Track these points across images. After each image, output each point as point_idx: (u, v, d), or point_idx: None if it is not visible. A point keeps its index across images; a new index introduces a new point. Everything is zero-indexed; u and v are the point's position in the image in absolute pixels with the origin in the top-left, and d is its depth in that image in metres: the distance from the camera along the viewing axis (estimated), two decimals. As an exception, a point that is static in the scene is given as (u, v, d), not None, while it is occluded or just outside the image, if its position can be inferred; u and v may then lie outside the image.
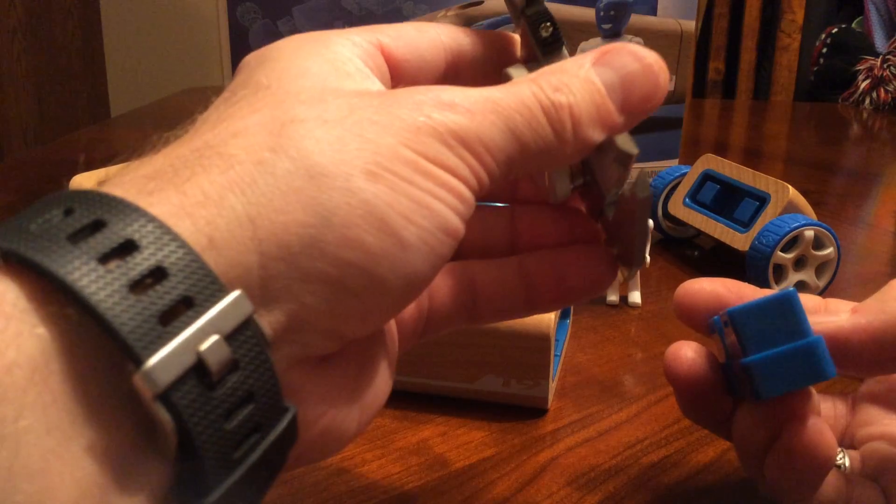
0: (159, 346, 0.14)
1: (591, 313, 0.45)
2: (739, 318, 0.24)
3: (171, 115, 1.08)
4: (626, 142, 0.21)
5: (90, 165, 0.48)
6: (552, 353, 0.34)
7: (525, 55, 0.24)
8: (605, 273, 0.25)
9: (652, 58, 0.21)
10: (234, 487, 0.16)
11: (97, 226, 0.15)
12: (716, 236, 0.50)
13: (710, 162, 0.53)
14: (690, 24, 0.64)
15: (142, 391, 0.14)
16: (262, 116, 0.18)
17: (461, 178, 0.19)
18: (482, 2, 0.59)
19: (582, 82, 0.20)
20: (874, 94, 1.21)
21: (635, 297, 0.47)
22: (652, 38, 0.63)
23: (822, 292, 0.47)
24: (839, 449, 0.28)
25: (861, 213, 0.68)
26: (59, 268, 0.14)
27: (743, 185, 0.49)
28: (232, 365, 0.16)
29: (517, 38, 0.25)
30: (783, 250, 0.46)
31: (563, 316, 0.42)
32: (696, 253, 0.56)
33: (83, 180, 0.45)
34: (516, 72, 0.23)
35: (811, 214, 0.48)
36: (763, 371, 0.24)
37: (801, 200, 0.48)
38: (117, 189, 0.17)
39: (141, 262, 0.15)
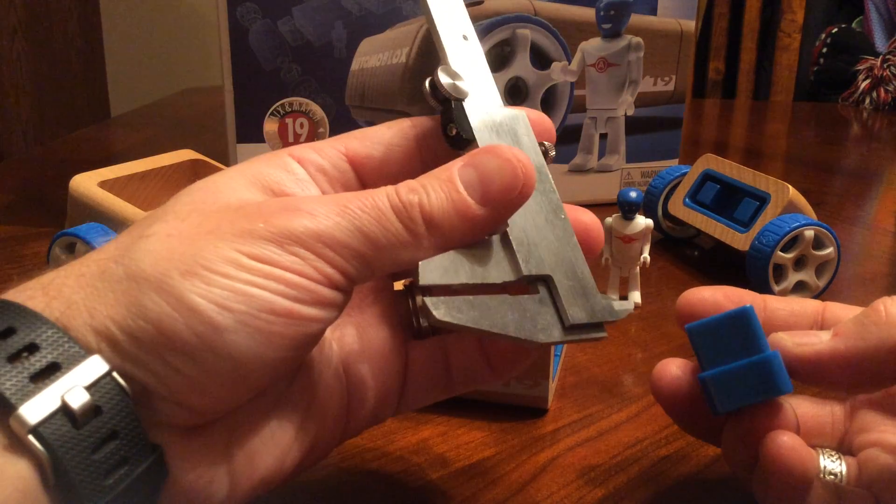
0: (30, 396, 0.19)
1: (591, 313, 0.45)
2: (696, 334, 0.25)
3: (171, 115, 1.08)
4: (427, 269, 0.23)
5: (90, 165, 0.48)
6: (552, 353, 0.34)
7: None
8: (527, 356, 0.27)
9: (511, 154, 0.24)
10: None
11: None
12: (716, 236, 0.50)
13: (710, 162, 0.53)
14: (690, 24, 0.64)
15: (17, 430, 0.19)
16: (125, 236, 0.22)
17: (293, 271, 0.21)
18: (482, 2, 0.59)
19: (441, 182, 0.23)
20: (874, 94, 1.21)
21: (635, 296, 0.47)
22: (652, 38, 0.63)
23: (823, 292, 0.47)
24: (836, 455, 0.27)
25: (861, 213, 0.68)
26: None
27: (743, 185, 0.49)
28: (95, 409, 0.20)
29: None
30: (783, 250, 0.46)
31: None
32: (696, 253, 0.56)
33: (83, 180, 0.46)
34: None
35: (811, 214, 0.48)
36: (718, 386, 0.24)
37: (801, 200, 0.48)
38: (7, 294, 0.21)
39: (18, 341, 0.19)
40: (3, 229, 0.59)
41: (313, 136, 0.59)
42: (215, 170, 0.52)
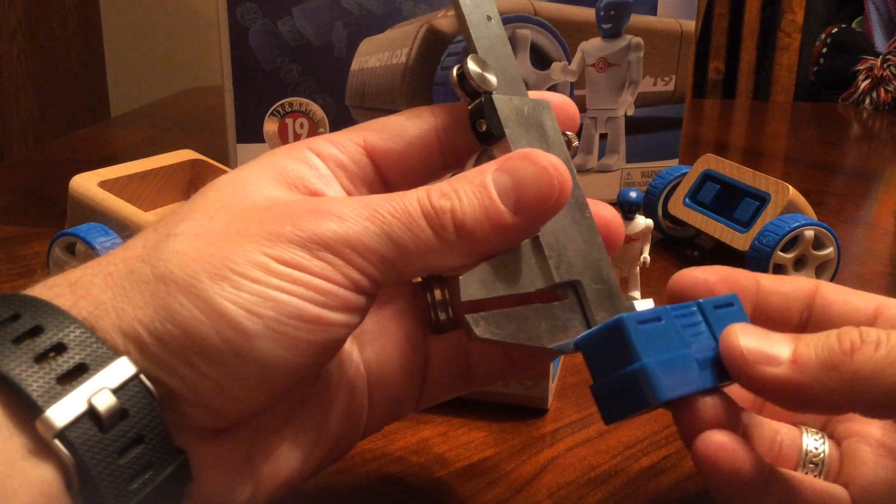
0: (57, 399, 0.19)
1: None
2: (583, 346, 0.24)
3: (171, 115, 1.08)
4: (467, 284, 0.22)
5: (90, 165, 0.48)
6: (552, 353, 0.34)
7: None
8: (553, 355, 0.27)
9: (547, 160, 0.23)
10: None
11: (14, 318, 0.20)
12: (716, 236, 0.50)
13: (710, 162, 0.53)
14: (690, 24, 0.64)
15: (43, 434, 0.18)
16: (151, 233, 0.22)
17: (322, 276, 0.21)
18: None
19: (474, 188, 0.23)
20: (874, 94, 1.21)
21: (635, 296, 0.47)
22: (652, 38, 0.63)
23: (822, 292, 0.47)
24: (820, 435, 0.27)
25: (861, 213, 0.68)
26: None
27: (743, 185, 0.49)
28: (121, 412, 0.19)
29: None
30: (783, 250, 0.46)
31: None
32: (696, 253, 0.56)
33: (83, 180, 0.45)
34: (467, 166, 0.26)
35: (811, 214, 0.48)
36: (601, 397, 0.24)
37: (801, 200, 0.48)
38: (33, 290, 0.21)
39: (45, 341, 0.19)
40: (3, 229, 0.59)
41: (313, 136, 0.59)
42: (215, 169, 0.52)
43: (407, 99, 0.59)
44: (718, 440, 0.23)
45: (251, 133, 0.58)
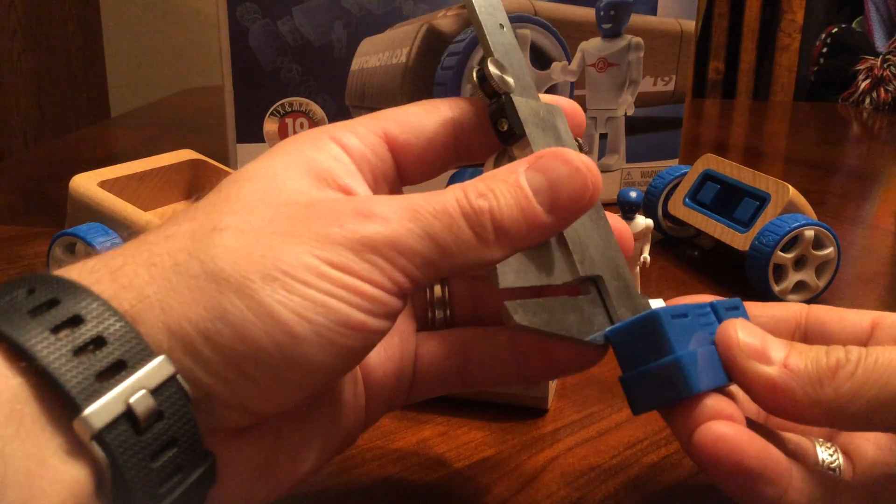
0: (96, 398, 0.18)
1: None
2: (614, 338, 0.25)
3: (171, 115, 1.08)
4: (503, 272, 0.23)
5: (90, 165, 0.48)
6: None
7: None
8: (587, 357, 0.26)
9: (580, 161, 0.23)
10: None
11: (53, 303, 0.19)
12: (716, 236, 0.50)
13: (710, 162, 0.53)
14: (690, 24, 0.64)
15: (80, 434, 0.18)
16: (194, 224, 0.21)
17: (369, 280, 0.21)
18: None
19: (509, 187, 0.23)
20: (874, 94, 1.21)
21: (635, 297, 0.47)
22: (652, 38, 0.63)
23: (823, 292, 0.47)
24: (832, 446, 0.27)
25: (861, 213, 0.68)
26: (18, 336, 0.18)
27: (743, 185, 0.49)
28: (157, 414, 0.19)
29: None
30: (783, 250, 0.46)
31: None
32: (696, 253, 0.56)
33: (83, 180, 0.45)
34: (487, 165, 0.26)
35: (811, 214, 0.48)
36: (632, 387, 0.25)
37: (801, 200, 0.48)
38: (68, 268, 0.21)
39: (84, 333, 0.19)
40: (3, 229, 0.59)
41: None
42: (215, 169, 0.52)
43: (407, 99, 0.59)
44: (719, 430, 0.23)
45: (251, 133, 0.58)
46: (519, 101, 0.26)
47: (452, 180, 0.56)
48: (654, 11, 0.62)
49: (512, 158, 0.25)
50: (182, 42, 2.02)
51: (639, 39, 0.62)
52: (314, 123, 0.59)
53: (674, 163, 0.67)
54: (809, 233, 0.45)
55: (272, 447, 0.22)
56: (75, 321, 0.19)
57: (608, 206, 0.30)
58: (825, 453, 0.27)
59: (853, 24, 1.53)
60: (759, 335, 0.24)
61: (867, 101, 1.22)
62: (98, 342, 0.19)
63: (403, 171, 0.26)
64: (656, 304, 0.27)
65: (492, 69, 0.25)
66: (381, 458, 0.32)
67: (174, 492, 0.19)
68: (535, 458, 0.32)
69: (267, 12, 0.56)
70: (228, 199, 0.22)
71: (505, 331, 0.27)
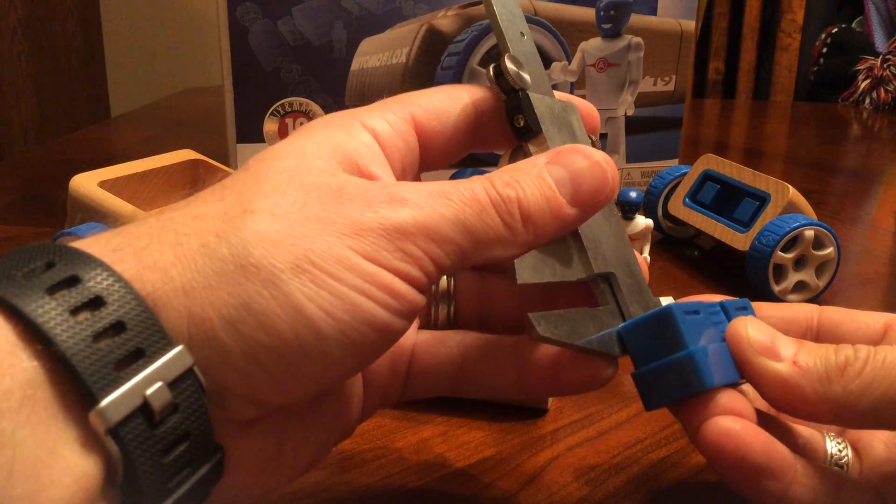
0: (112, 389, 0.17)
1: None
2: (626, 334, 0.25)
3: (171, 115, 1.08)
4: (521, 268, 0.23)
5: (90, 165, 0.48)
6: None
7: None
8: (601, 372, 0.25)
9: (600, 156, 0.24)
10: None
11: (72, 281, 0.18)
12: (716, 236, 0.50)
13: (710, 162, 0.53)
14: (690, 24, 0.64)
15: (95, 426, 0.17)
16: (224, 205, 0.20)
17: (401, 273, 0.20)
18: (482, 2, 0.59)
19: (533, 178, 0.23)
20: (874, 94, 1.21)
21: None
22: (652, 38, 0.63)
23: (823, 292, 0.47)
24: (842, 440, 0.27)
25: (861, 213, 0.68)
26: (37, 316, 0.17)
27: (743, 185, 0.49)
28: (172, 407, 0.18)
29: None
30: (783, 250, 0.46)
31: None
32: (696, 253, 0.56)
33: (83, 180, 0.46)
34: (502, 161, 0.26)
35: (811, 214, 0.48)
36: (645, 383, 0.25)
37: (801, 200, 0.48)
38: (90, 240, 0.20)
39: (105, 316, 0.18)
40: (3, 229, 0.59)
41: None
42: (215, 170, 0.52)
43: (407, 99, 0.59)
44: (725, 425, 0.23)
45: (251, 133, 0.58)
46: (535, 98, 0.26)
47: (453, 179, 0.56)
48: (654, 11, 0.62)
49: (527, 154, 0.25)
50: (182, 42, 2.02)
51: (639, 39, 0.62)
52: (314, 123, 0.59)
53: (674, 163, 0.67)
54: (809, 233, 0.45)
55: (278, 440, 0.22)
56: (96, 303, 0.18)
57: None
58: (834, 447, 0.27)
59: (853, 24, 1.53)
60: (769, 332, 0.24)
61: (867, 101, 1.21)
62: (118, 327, 0.18)
63: (425, 158, 0.26)
64: (667, 302, 0.27)
65: (509, 65, 0.25)
66: (381, 458, 0.32)
67: (183, 485, 0.19)
68: (535, 458, 0.32)
69: (267, 12, 0.56)
70: (258, 178, 0.21)
71: (510, 341, 0.27)
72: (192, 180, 0.52)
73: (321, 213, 0.20)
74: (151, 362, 0.18)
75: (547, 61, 0.61)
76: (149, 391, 0.18)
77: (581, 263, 0.25)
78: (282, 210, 0.20)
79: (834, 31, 1.46)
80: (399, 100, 0.25)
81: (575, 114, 0.27)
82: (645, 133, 0.65)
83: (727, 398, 0.23)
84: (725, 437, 0.23)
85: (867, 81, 1.22)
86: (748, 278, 0.47)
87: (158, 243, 0.19)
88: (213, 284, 0.19)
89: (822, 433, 0.27)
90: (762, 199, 0.48)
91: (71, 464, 0.17)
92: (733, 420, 0.23)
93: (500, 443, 0.33)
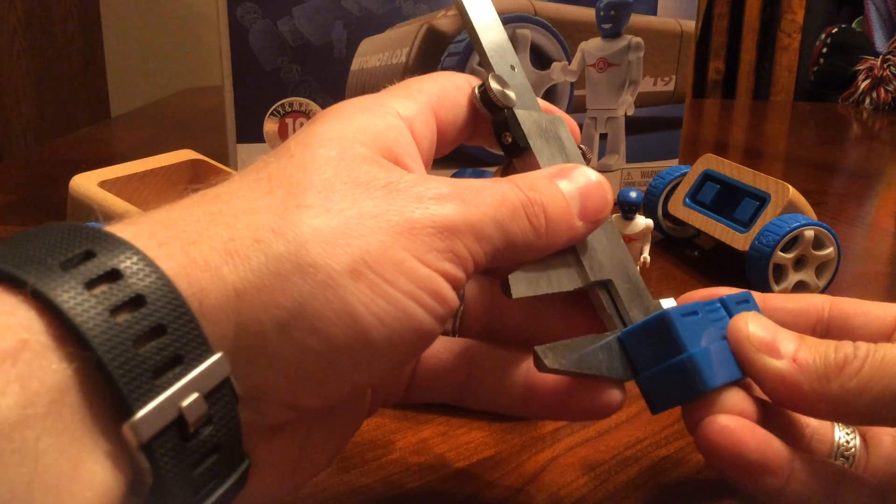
0: (148, 399, 0.16)
1: (591, 313, 0.45)
2: (627, 340, 0.25)
3: (171, 115, 1.08)
4: (516, 282, 0.23)
5: (90, 165, 0.48)
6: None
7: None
8: (611, 399, 0.25)
9: (597, 175, 0.25)
10: None
11: (113, 276, 0.17)
12: (716, 236, 0.50)
13: (710, 162, 0.53)
14: (690, 24, 0.64)
15: (128, 440, 0.16)
16: (274, 199, 0.19)
17: (448, 276, 0.20)
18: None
19: (550, 187, 0.23)
20: (874, 94, 1.21)
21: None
22: (652, 38, 0.63)
23: (822, 292, 0.47)
24: (851, 429, 0.27)
25: (861, 213, 0.68)
26: (75, 315, 0.16)
27: (743, 185, 0.49)
28: (206, 419, 0.17)
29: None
30: (783, 250, 0.46)
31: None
32: (696, 253, 0.56)
33: (83, 180, 0.46)
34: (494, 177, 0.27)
35: (811, 214, 0.48)
36: (649, 387, 0.25)
37: (801, 200, 0.48)
38: (132, 227, 0.18)
39: (146, 318, 0.16)
40: (3, 229, 0.59)
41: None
42: (215, 170, 0.52)
43: (407, 99, 0.59)
44: (721, 423, 0.23)
45: (251, 133, 0.58)
46: (522, 114, 0.26)
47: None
48: (654, 11, 0.62)
49: (516, 171, 0.26)
50: (182, 42, 2.02)
51: (639, 39, 0.62)
52: (314, 123, 0.59)
53: (674, 163, 0.67)
54: (809, 233, 0.45)
55: (302, 442, 0.22)
56: (137, 302, 0.17)
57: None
58: (843, 436, 0.27)
59: (853, 24, 1.53)
60: (770, 328, 0.24)
61: (867, 101, 1.21)
62: (158, 331, 0.17)
63: (438, 149, 0.26)
64: (668, 304, 0.27)
65: (493, 84, 0.25)
66: (381, 458, 0.32)
67: (209, 498, 0.18)
68: (535, 458, 0.32)
69: (267, 12, 0.56)
70: (305, 168, 0.20)
71: (520, 359, 0.27)
72: (192, 180, 0.52)
73: (373, 210, 0.20)
74: (189, 370, 0.17)
75: (547, 61, 0.61)
76: (185, 403, 0.17)
77: (577, 273, 0.25)
78: (335, 206, 0.20)
79: (834, 31, 1.46)
80: (415, 88, 0.25)
81: (563, 126, 0.27)
82: (645, 133, 0.65)
83: (725, 396, 0.24)
84: (722, 435, 0.23)
85: (867, 81, 1.22)
86: (748, 278, 0.47)
87: (209, 238, 0.18)
88: (268, 285, 0.18)
89: (832, 422, 0.27)
90: (762, 199, 0.48)
91: (94, 477, 0.16)
92: (730, 418, 0.23)
93: (500, 443, 0.33)
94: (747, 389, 0.25)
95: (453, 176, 0.57)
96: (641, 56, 0.63)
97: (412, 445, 0.33)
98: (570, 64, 0.61)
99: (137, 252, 0.17)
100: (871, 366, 0.22)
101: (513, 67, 0.27)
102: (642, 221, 0.45)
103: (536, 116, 0.26)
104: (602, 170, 0.65)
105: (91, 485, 0.16)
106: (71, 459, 0.15)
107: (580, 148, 0.28)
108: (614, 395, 0.25)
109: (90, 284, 0.16)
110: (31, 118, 1.64)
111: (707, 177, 0.53)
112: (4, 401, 0.14)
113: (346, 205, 0.20)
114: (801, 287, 0.47)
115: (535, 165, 0.26)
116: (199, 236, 0.18)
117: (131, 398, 0.16)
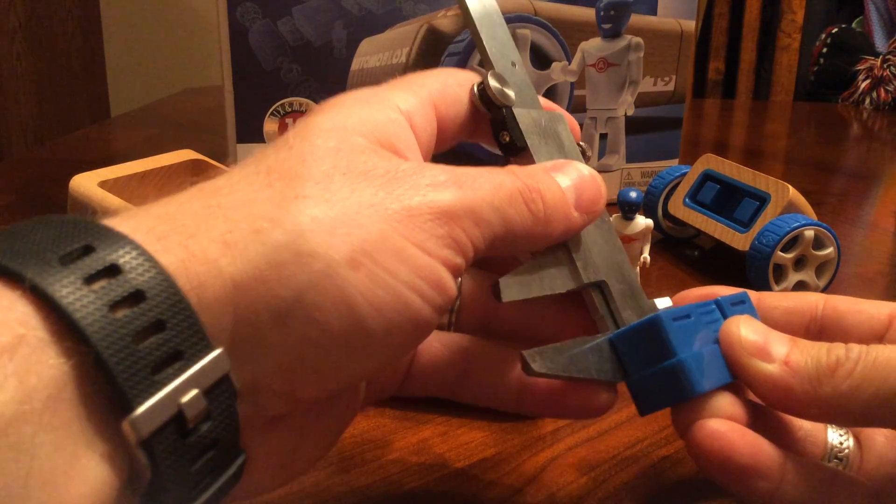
0: (148, 396, 0.16)
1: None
2: (618, 343, 0.25)
3: (171, 115, 1.08)
4: (506, 286, 0.23)
5: (90, 165, 0.48)
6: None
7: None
8: (601, 400, 0.26)
9: (593, 171, 0.25)
10: None
11: (112, 271, 0.16)
12: (716, 236, 0.50)
13: (710, 162, 0.53)
14: (690, 24, 0.64)
15: (127, 436, 0.16)
16: (273, 191, 0.19)
17: (447, 262, 0.20)
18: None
19: (547, 177, 0.23)
20: (874, 94, 1.21)
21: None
22: (652, 38, 0.63)
23: (823, 292, 0.47)
24: (844, 432, 0.27)
25: (861, 213, 0.68)
26: (74, 311, 0.16)
27: (743, 185, 0.49)
28: (205, 415, 0.17)
29: None
30: (783, 250, 0.45)
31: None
32: (696, 253, 0.56)
33: (83, 180, 0.45)
34: None
35: (811, 214, 0.48)
36: (638, 390, 0.25)
37: (801, 200, 0.48)
38: (130, 221, 0.18)
39: (145, 313, 0.16)
40: (3, 229, 0.59)
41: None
42: (215, 170, 0.52)
43: (407, 99, 0.59)
44: (711, 427, 0.23)
45: (251, 133, 0.58)
46: (520, 113, 0.26)
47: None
48: (654, 11, 0.62)
49: None
50: (182, 42, 2.02)
51: (639, 39, 0.62)
52: (314, 123, 0.59)
53: (674, 163, 0.67)
54: (809, 233, 0.45)
55: (299, 434, 0.22)
56: (136, 297, 0.16)
57: (608, 206, 0.30)
58: (836, 438, 0.27)
59: (853, 24, 1.53)
60: (761, 331, 0.24)
61: (867, 101, 1.21)
62: (157, 326, 0.17)
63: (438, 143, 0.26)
64: (663, 303, 0.27)
65: (492, 83, 0.25)
66: (380, 458, 0.32)
67: (205, 493, 0.18)
68: (535, 458, 0.32)
69: (267, 12, 0.56)
70: (304, 160, 0.20)
71: (514, 357, 0.27)
72: (192, 180, 0.52)
73: (372, 199, 0.20)
74: (189, 366, 0.17)
75: (547, 61, 0.61)
76: (184, 399, 0.17)
77: (570, 274, 0.25)
78: (334, 196, 0.19)
79: (834, 31, 1.46)
80: (416, 83, 0.25)
81: (562, 124, 0.27)
82: (645, 133, 0.65)
83: (715, 400, 0.24)
84: (711, 440, 0.23)
85: (867, 81, 1.22)
86: (748, 278, 0.47)
87: (206, 230, 0.18)
88: (266, 275, 0.18)
89: (825, 424, 0.27)
90: (762, 199, 0.48)
91: (90, 472, 0.16)
92: (720, 422, 0.23)
93: (500, 443, 0.33)
94: (740, 392, 0.25)
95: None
96: (641, 56, 0.63)
97: (412, 445, 0.33)
98: (570, 64, 0.61)
99: (137, 247, 0.17)
100: (864, 367, 0.22)
101: (514, 64, 0.27)
102: (642, 221, 0.45)
103: (535, 115, 0.26)
104: (602, 170, 0.65)
105: (87, 480, 0.16)
106: (67, 455, 0.15)
107: (580, 145, 0.28)
108: (605, 396, 0.25)
109: (89, 279, 0.16)
110: (31, 118, 1.64)
111: (707, 177, 0.53)
112: (1, 396, 0.14)
113: (344, 194, 0.20)
114: (801, 287, 0.47)
115: (532, 164, 0.25)
116: (198, 229, 0.18)
117: (131, 394, 0.16)
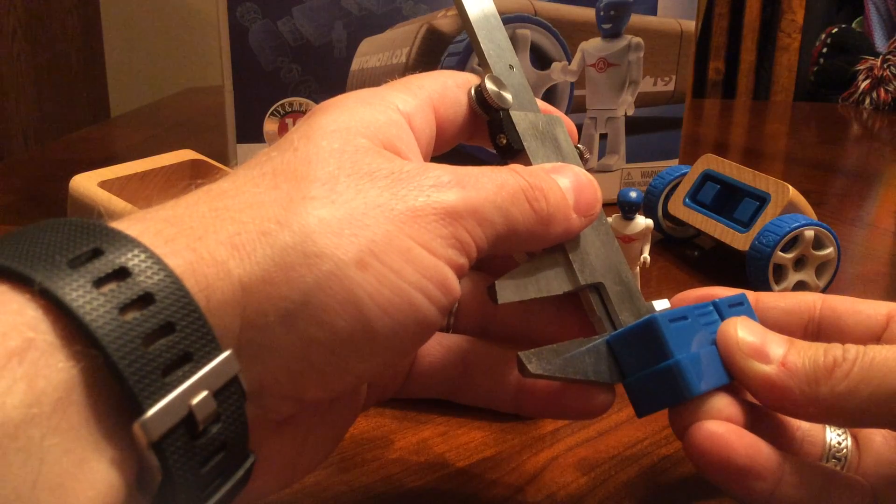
0: (158, 398, 0.16)
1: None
2: (615, 344, 0.25)
3: (171, 115, 1.08)
4: (502, 288, 0.23)
5: (90, 165, 0.48)
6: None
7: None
8: (599, 401, 0.26)
9: (589, 175, 0.25)
10: None
11: (121, 274, 0.16)
12: (716, 236, 0.50)
13: (710, 162, 0.53)
14: (690, 24, 0.64)
15: (138, 438, 0.16)
16: (279, 193, 0.20)
17: (452, 263, 0.20)
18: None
19: (547, 177, 0.23)
20: (874, 94, 1.21)
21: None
22: (652, 38, 0.63)
23: (822, 292, 0.47)
24: (842, 432, 0.27)
25: (861, 213, 0.68)
26: (84, 315, 0.16)
27: (743, 185, 0.49)
28: (215, 417, 0.17)
29: None
30: (783, 250, 0.45)
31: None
32: (696, 253, 0.56)
33: (83, 180, 0.45)
34: None
35: (811, 214, 0.48)
36: (634, 392, 0.25)
37: (801, 200, 0.48)
38: (138, 224, 0.18)
39: (155, 316, 0.16)
40: (3, 229, 0.59)
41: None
42: (215, 170, 0.52)
43: (407, 99, 0.59)
44: (708, 429, 0.23)
45: (251, 133, 0.58)
46: (517, 116, 0.26)
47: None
48: (654, 11, 0.62)
49: None
50: (182, 42, 2.02)
51: (639, 39, 0.62)
52: (314, 123, 0.59)
53: (674, 163, 0.67)
54: (809, 233, 0.45)
55: (303, 437, 0.22)
56: (145, 300, 0.16)
57: (608, 206, 0.30)
58: (834, 438, 0.27)
59: (853, 24, 1.53)
60: (759, 333, 0.24)
61: (867, 101, 1.21)
62: (167, 329, 0.17)
63: (437, 144, 0.26)
64: (661, 305, 0.27)
65: (490, 86, 0.25)
66: (381, 458, 0.32)
67: (214, 495, 0.18)
68: (535, 458, 0.32)
69: (267, 12, 0.56)
70: (309, 162, 0.20)
71: (513, 358, 0.27)
72: (192, 180, 0.52)
73: (378, 200, 0.20)
74: (199, 368, 0.17)
75: (547, 61, 0.61)
76: (194, 401, 0.17)
77: (567, 276, 0.25)
78: (340, 197, 0.20)
79: (834, 31, 1.46)
80: (416, 85, 0.25)
81: (560, 125, 0.27)
82: (645, 133, 0.65)
83: (712, 401, 0.24)
84: (709, 441, 0.23)
85: (867, 81, 1.22)
86: (748, 278, 0.47)
87: (214, 233, 0.18)
88: (274, 277, 0.18)
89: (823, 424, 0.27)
90: (762, 199, 0.48)
91: (98, 476, 0.16)
92: (717, 423, 0.23)
93: (500, 443, 0.33)
94: (737, 393, 0.25)
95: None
96: (641, 56, 0.63)
97: (412, 445, 0.33)
98: (570, 64, 0.61)
99: (145, 250, 0.17)
100: (861, 368, 0.22)
101: (511, 67, 0.27)
102: (642, 221, 0.45)
103: (533, 118, 0.26)
104: (602, 170, 0.65)
105: (95, 484, 0.15)
106: (76, 458, 0.15)
107: (577, 148, 0.28)
108: (602, 397, 0.25)
109: (99, 283, 0.16)
110: (31, 118, 1.64)
111: (707, 177, 0.53)
112: (10, 399, 0.14)
113: (350, 195, 0.20)
114: (801, 287, 0.47)
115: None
116: (206, 232, 0.18)
117: (141, 396, 0.16)
